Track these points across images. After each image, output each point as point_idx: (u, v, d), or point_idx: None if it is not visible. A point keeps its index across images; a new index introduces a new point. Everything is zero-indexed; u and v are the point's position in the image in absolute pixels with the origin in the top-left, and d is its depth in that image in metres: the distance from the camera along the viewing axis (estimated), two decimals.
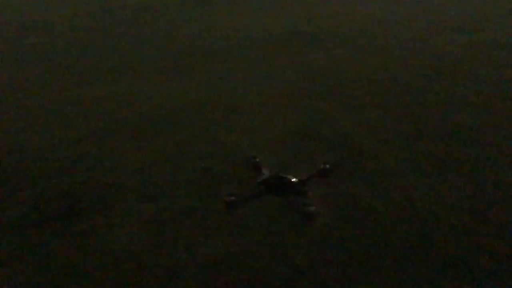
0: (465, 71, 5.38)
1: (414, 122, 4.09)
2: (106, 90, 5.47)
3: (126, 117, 4.61)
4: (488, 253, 2.46)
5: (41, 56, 7.31)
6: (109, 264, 2.56)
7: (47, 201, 3.19)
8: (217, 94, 5.08)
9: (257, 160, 3.42)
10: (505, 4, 9.45)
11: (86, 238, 2.78)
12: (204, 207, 3.01)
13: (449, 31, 7.31)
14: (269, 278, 2.39)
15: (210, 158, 3.63)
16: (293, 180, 3.06)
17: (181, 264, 2.52)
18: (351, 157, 3.53)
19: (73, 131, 4.35)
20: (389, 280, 2.33)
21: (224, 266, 2.49)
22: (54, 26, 9.67)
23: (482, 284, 2.27)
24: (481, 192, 3.02)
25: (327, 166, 3.30)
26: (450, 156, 3.48)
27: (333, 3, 10.05)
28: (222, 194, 3.11)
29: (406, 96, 4.73)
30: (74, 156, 3.83)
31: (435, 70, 5.48)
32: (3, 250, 2.74)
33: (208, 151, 3.75)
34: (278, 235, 2.70)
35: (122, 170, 3.54)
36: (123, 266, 2.54)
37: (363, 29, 7.70)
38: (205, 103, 4.83)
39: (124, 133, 4.22)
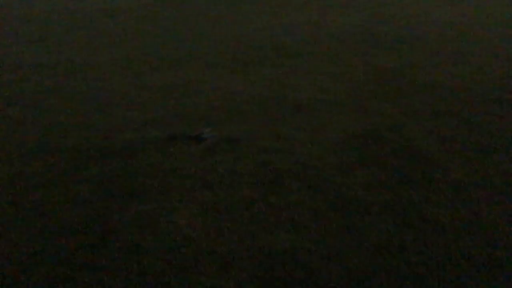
0: None
1: (488, 135, 3.87)
2: (175, 78, 5.63)
3: (192, 105, 4.73)
4: None
5: (117, 42, 7.65)
6: (167, 246, 2.64)
7: (114, 180, 3.34)
8: (283, 90, 5.08)
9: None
10: None
11: (147, 219, 2.89)
12: (262, 200, 3.03)
13: None
14: (322, 279, 2.36)
15: (272, 153, 3.64)
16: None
17: (236, 254, 2.55)
18: (417, 165, 3.40)
19: (142, 115, 4.52)
20: None
21: (278, 261, 2.49)
22: (130, 13, 10.08)
23: None
24: None
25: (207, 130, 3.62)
26: None
27: (408, 5, 9.71)
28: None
29: (481, 106, 4.48)
30: (141, 139, 3.98)
31: None
32: (71, 221, 2.90)
33: (270, 146, 3.76)
34: (335, 237, 2.66)
35: (185, 156, 3.64)
36: (180, 249, 2.61)
37: (439, 33, 7.38)
38: (270, 98, 4.84)
39: (189, 121, 4.32)
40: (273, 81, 5.39)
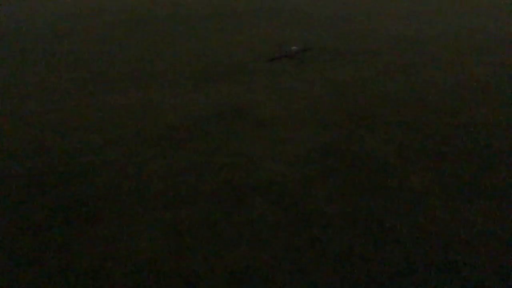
0: (495, 93, 5.27)
1: (442, 143, 4.02)
2: (133, 98, 5.56)
3: (152, 125, 4.68)
4: None
5: (72, 63, 7.50)
6: (129, 270, 2.58)
7: (71, 205, 3.25)
8: (242, 106, 5.11)
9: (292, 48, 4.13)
10: None
11: (107, 244, 2.81)
12: (225, 218, 3.01)
13: (477, 51, 7.19)
14: None
15: (233, 170, 3.64)
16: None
17: (200, 274, 2.52)
18: (375, 176, 3.48)
19: (99, 136, 4.44)
20: None
21: (242, 279, 2.47)
22: (86, 34, 9.92)
23: None
24: (511, 218, 2.93)
25: (294, 48, 3.88)
26: (478, 179, 3.40)
27: (360, 20, 10.03)
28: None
29: (433, 115, 4.65)
30: (98, 161, 3.90)
31: (465, 90, 5.38)
32: (27, 250, 2.79)
33: (231, 163, 3.76)
34: (298, 251, 2.68)
35: (145, 178, 3.58)
36: (142, 273, 2.55)
37: (393, 47, 7.65)
38: (230, 115, 4.86)
39: (149, 141, 4.28)
40: (233, 97, 5.42)
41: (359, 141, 4.10)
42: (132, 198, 3.29)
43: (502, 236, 2.75)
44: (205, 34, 9.31)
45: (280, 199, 3.19)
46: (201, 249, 2.72)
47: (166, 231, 2.90)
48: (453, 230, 2.82)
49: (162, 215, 3.08)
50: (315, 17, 10.68)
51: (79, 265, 2.63)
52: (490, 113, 4.71)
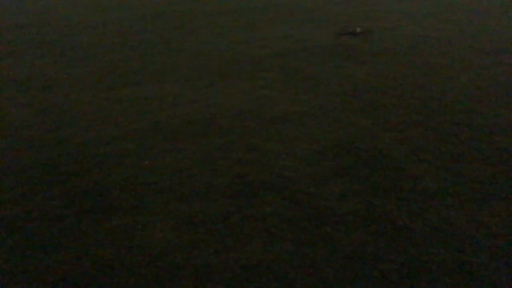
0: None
1: (457, 144, 3.99)
2: (150, 91, 5.62)
3: (168, 118, 4.73)
4: None
5: (91, 56, 7.60)
6: (142, 261, 2.62)
7: (87, 195, 3.31)
8: (258, 103, 5.13)
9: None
10: None
11: (122, 234, 2.86)
12: (238, 212, 3.04)
13: (496, 51, 7.09)
14: None
15: (247, 165, 3.66)
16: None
17: (212, 267, 2.55)
18: (389, 175, 3.48)
19: (116, 128, 4.50)
20: None
21: (254, 273, 2.50)
22: (105, 27, 10.03)
23: None
24: None
25: (358, 29, 4.12)
26: (493, 181, 3.37)
27: (380, 18, 9.96)
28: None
29: (450, 116, 4.61)
30: (115, 153, 3.95)
31: (483, 91, 5.32)
32: (44, 237, 2.86)
33: (245, 158, 3.79)
34: (310, 247, 2.69)
35: (159, 170, 3.63)
36: (155, 263, 2.60)
37: (410, 46, 7.59)
38: (246, 111, 4.89)
39: (165, 134, 4.32)
40: (249, 94, 5.44)
41: (374, 140, 4.09)
42: (147, 190, 3.34)
43: None
44: (222, 30, 9.35)
45: (293, 195, 3.21)
46: (214, 242, 2.75)
47: (180, 224, 2.95)
48: (467, 231, 2.80)
49: (177, 207, 3.12)
50: (329, 11, 10.63)
51: (94, 254, 2.69)
52: (508, 114, 4.65)
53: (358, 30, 4.78)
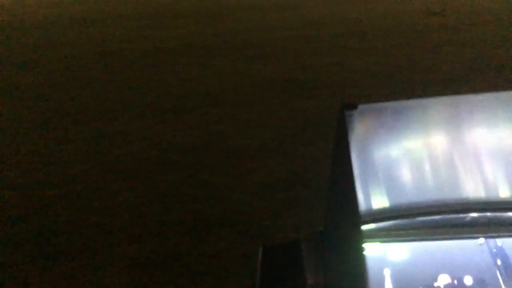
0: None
1: None
2: (100, 130, 5.51)
3: (118, 157, 4.63)
4: None
5: (37, 95, 7.40)
6: None
7: (35, 240, 3.15)
8: (210, 138, 5.14)
9: None
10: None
11: (69, 280, 2.73)
12: (192, 250, 2.99)
13: (437, 85, 7.52)
14: None
15: (201, 201, 3.63)
16: None
17: None
18: None
19: (64, 169, 4.36)
20: None
21: None
22: (52, 65, 9.84)
23: None
24: None
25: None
26: None
27: (324, 54, 10.37)
28: None
29: None
30: (62, 195, 3.81)
31: None
32: None
33: (199, 194, 3.76)
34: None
35: (109, 211, 3.53)
36: None
37: (353, 79, 7.91)
38: (198, 146, 4.88)
39: (115, 174, 4.22)
40: (201, 129, 5.45)
41: (324, 171, 4.17)
42: (96, 233, 3.23)
43: None
44: (174, 67, 9.40)
45: (248, 230, 3.20)
46: (168, 283, 2.68)
47: (132, 266, 2.85)
48: None
49: (128, 249, 3.03)
50: (282, 49, 10.96)
51: None
52: None
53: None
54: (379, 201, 1.48)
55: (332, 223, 1.47)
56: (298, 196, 3.67)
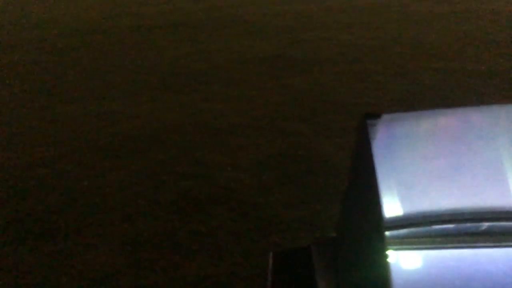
0: (440, 98, 5.53)
1: None
2: (88, 109, 5.45)
3: (108, 136, 4.60)
4: None
5: (24, 74, 7.27)
6: (86, 285, 2.52)
7: (24, 220, 3.14)
8: (200, 116, 5.11)
9: None
10: (479, 35, 9.77)
11: (62, 259, 2.74)
12: (184, 228, 3.00)
13: (426, 57, 7.51)
14: None
15: (192, 179, 3.63)
16: None
17: (159, 286, 2.50)
18: (331, 181, 3.57)
19: (53, 149, 4.31)
20: None
21: None
22: (35, 44, 9.64)
23: None
24: None
25: None
26: None
27: (316, 28, 10.27)
28: None
29: None
30: (53, 174, 3.79)
31: (413, 96, 5.61)
32: None
33: (190, 172, 3.75)
34: (258, 257, 2.70)
35: (100, 190, 3.51)
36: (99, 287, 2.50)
37: (346, 54, 7.87)
38: (188, 124, 4.85)
39: (105, 153, 4.20)
40: (191, 107, 5.41)
41: (316, 147, 4.19)
42: (88, 212, 3.22)
43: None
44: (162, 44, 9.26)
45: (240, 207, 3.22)
46: (161, 261, 2.70)
47: (124, 244, 2.86)
48: None
49: (120, 228, 3.03)
50: (269, 25, 10.83)
51: (31, 283, 2.55)
52: None
53: None
54: (394, 209, 1.48)
55: (350, 230, 1.47)
56: (290, 173, 3.68)
